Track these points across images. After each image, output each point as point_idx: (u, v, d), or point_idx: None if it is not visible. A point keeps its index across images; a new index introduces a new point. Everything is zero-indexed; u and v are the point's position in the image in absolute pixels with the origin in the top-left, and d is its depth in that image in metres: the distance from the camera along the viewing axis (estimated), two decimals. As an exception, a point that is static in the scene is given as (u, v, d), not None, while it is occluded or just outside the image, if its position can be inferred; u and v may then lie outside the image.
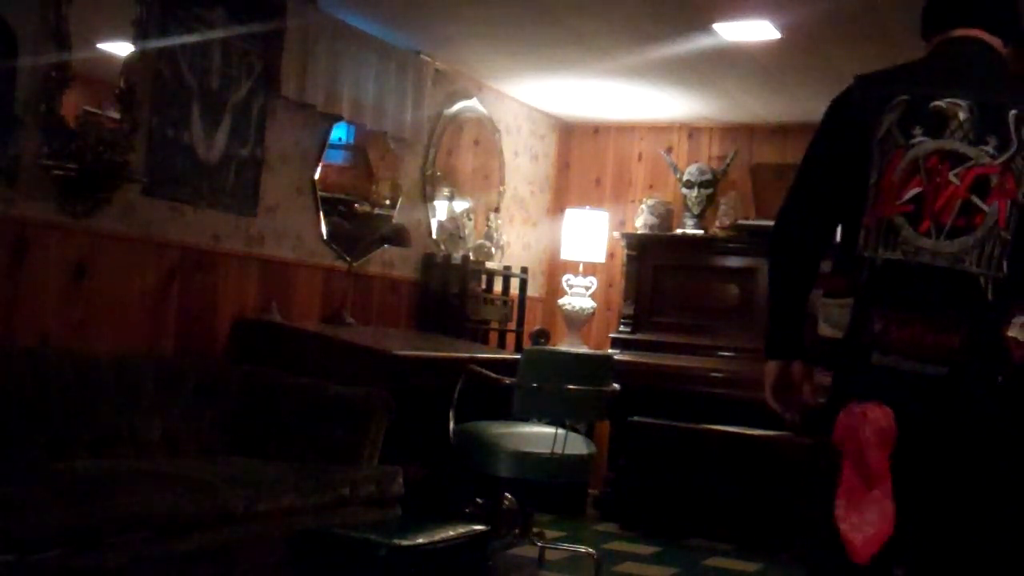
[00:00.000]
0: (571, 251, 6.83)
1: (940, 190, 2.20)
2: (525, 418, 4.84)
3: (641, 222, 6.89)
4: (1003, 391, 2.18)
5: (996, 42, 2.37)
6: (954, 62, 2.34)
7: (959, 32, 2.37)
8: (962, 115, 2.23)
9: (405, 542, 3.69)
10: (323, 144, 5.36)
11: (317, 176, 5.33)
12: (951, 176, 2.20)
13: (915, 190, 2.22)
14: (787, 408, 2.43)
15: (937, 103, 2.24)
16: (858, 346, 2.21)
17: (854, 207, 2.29)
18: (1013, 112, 2.21)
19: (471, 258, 6.09)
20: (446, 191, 6.31)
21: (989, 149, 2.19)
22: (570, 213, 6.91)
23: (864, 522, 2.16)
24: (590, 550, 5.04)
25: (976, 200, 2.18)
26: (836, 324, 2.27)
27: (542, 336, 6.46)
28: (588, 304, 6.75)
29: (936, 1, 2.45)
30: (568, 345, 6.63)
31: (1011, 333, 2.17)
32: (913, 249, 2.20)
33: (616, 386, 4.89)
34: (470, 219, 6.44)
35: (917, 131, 2.23)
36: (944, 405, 2.14)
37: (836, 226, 2.39)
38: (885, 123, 2.28)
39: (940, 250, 2.19)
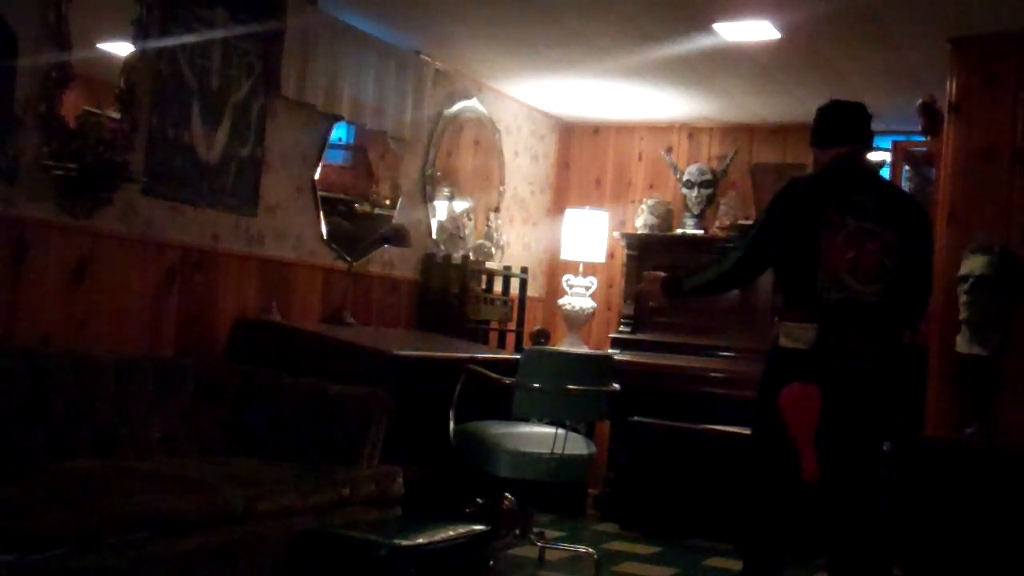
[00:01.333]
0: (571, 251, 6.83)
1: (865, 254, 3.50)
2: (525, 418, 4.84)
3: (641, 222, 6.89)
4: (903, 376, 3.64)
5: (866, 151, 3.74)
6: (855, 171, 3.68)
7: (847, 148, 3.67)
8: (870, 206, 3.53)
9: (405, 542, 3.69)
10: (323, 144, 5.36)
11: (317, 176, 5.33)
12: (870, 245, 3.50)
13: (852, 254, 3.49)
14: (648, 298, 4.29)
15: (856, 199, 3.52)
16: (823, 353, 3.47)
17: (808, 266, 3.51)
18: (895, 204, 3.62)
19: (471, 258, 6.09)
20: (446, 191, 6.31)
21: (888, 227, 3.52)
22: (570, 213, 6.91)
23: (810, 456, 3.46)
24: (590, 550, 5.04)
25: (885, 260, 3.51)
26: (797, 340, 3.51)
27: (542, 336, 6.46)
28: (588, 304, 6.75)
29: (825, 128, 3.74)
30: (568, 345, 6.63)
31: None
32: (854, 292, 3.48)
33: (616, 386, 4.89)
34: (470, 219, 6.44)
35: (848, 217, 3.50)
36: (872, 385, 3.50)
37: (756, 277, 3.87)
38: (828, 212, 3.51)
39: (869, 291, 3.49)
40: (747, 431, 5.63)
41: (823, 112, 3.80)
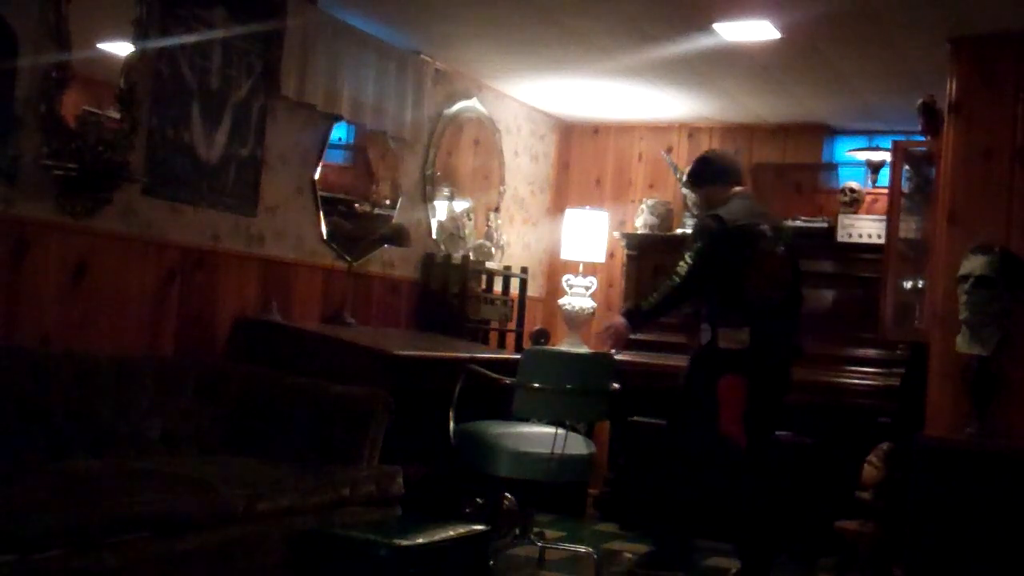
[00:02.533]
0: (571, 251, 6.82)
1: (775, 270, 4.58)
2: (525, 418, 4.84)
3: (641, 222, 6.89)
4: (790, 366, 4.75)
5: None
6: (755, 206, 4.78)
7: (741, 188, 4.82)
8: (769, 233, 4.59)
9: (405, 542, 3.69)
10: (323, 144, 5.36)
11: (317, 176, 5.33)
12: (775, 263, 4.56)
13: (766, 271, 4.53)
14: (614, 345, 4.75)
15: (759, 228, 4.58)
16: (754, 352, 4.50)
17: (735, 284, 4.51)
18: (780, 227, 4.73)
19: (471, 258, 6.10)
20: (446, 191, 6.31)
21: (782, 247, 4.61)
22: (570, 213, 6.91)
23: (738, 430, 4.49)
24: (590, 550, 5.04)
25: (786, 274, 4.61)
26: (735, 341, 4.50)
27: (542, 336, 6.45)
28: (588, 304, 6.74)
29: (722, 169, 4.83)
30: (568, 345, 6.63)
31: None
32: (769, 301, 4.54)
33: (616, 386, 4.89)
34: (470, 219, 6.44)
35: (761, 241, 4.53)
36: (780, 371, 4.66)
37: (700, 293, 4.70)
38: (748, 241, 4.53)
39: (778, 298, 4.57)
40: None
41: (712, 158, 4.91)
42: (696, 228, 4.73)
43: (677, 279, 4.52)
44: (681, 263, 4.55)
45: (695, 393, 4.66)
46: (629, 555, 4.98)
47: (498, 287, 6.45)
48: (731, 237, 4.53)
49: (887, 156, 5.83)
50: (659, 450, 5.00)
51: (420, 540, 3.76)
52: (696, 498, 4.81)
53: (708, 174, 4.83)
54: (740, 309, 4.51)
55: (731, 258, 4.51)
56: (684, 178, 5.15)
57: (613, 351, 4.86)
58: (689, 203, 6.80)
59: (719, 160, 4.93)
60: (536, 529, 5.14)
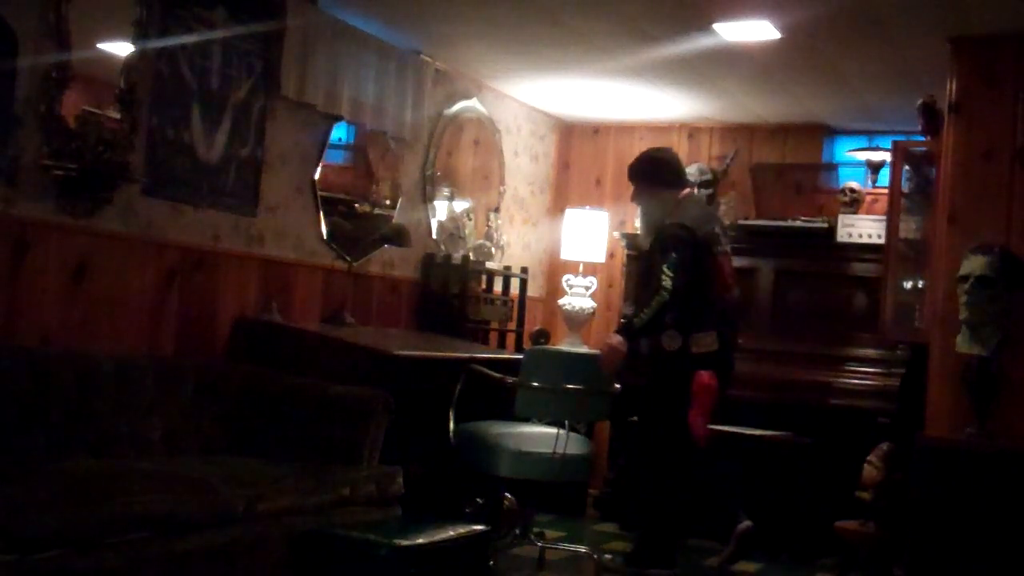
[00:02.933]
0: (571, 251, 6.82)
1: (729, 270, 4.81)
2: (525, 418, 4.84)
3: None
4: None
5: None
6: (707, 208, 5.34)
7: (689, 188, 5.02)
8: (720, 232, 4.81)
9: (405, 542, 3.69)
10: (323, 144, 5.36)
11: (317, 176, 5.32)
12: (727, 263, 4.82)
13: (726, 271, 4.78)
14: (614, 367, 4.75)
15: (715, 231, 4.78)
16: (724, 351, 4.71)
17: (701, 290, 4.65)
18: (724, 227, 5.04)
19: (471, 258, 6.10)
20: (446, 191, 6.31)
21: (728, 247, 4.89)
22: (570, 213, 6.91)
23: (702, 424, 4.61)
24: (590, 550, 5.04)
25: (734, 272, 4.89)
26: (704, 345, 4.64)
27: (542, 336, 6.45)
28: (588, 304, 6.73)
29: (674, 171, 4.87)
30: (568, 345, 6.62)
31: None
32: (730, 301, 4.79)
33: (616, 386, 4.89)
34: (470, 219, 6.44)
35: (717, 245, 4.74)
36: (731, 366, 4.82)
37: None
38: (708, 245, 4.69)
39: (735, 298, 4.85)
40: (744, 430, 5.69)
41: (666, 159, 4.89)
42: (664, 239, 4.67)
43: (666, 294, 4.57)
44: (664, 277, 4.57)
45: (672, 396, 4.66)
46: (608, 556, 4.96)
47: (498, 287, 6.45)
48: (700, 246, 4.67)
49: (887, 156, 5.83)
50: (638, 452, 5.02)
51: (420, 540, 3.76)
52: (683, 496, 4.83)
53: (664, 176, 4.84)
54: (706, 313, 4.67)
55: (701, 266, 4.66)
56: (631, 178, 4.94)
57: (615, 371, 4.82)
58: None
59: (674, 162, 4.94)
60: (536, 529, 5.14)
